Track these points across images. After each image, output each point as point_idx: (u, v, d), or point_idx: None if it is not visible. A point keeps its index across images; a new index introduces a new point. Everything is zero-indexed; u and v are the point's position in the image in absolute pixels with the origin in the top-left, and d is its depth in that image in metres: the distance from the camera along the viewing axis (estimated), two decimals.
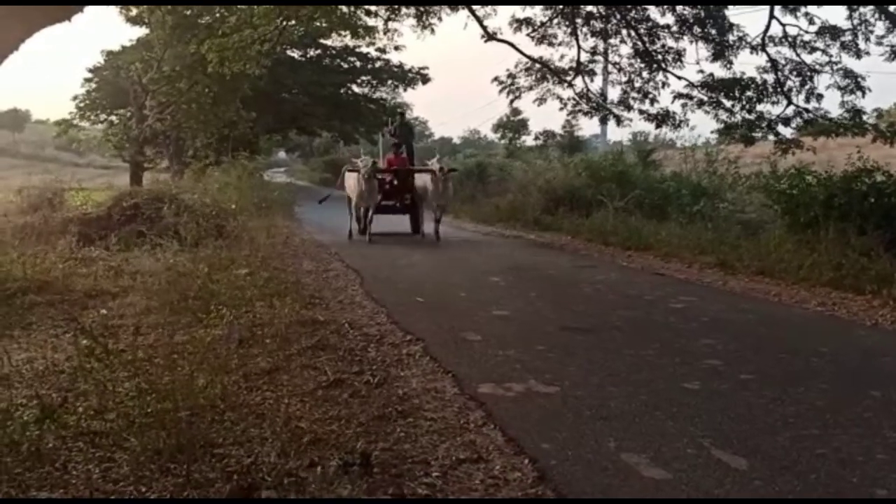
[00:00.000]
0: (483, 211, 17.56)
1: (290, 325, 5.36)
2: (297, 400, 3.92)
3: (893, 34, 11.13)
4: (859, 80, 11.71)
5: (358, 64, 33.26)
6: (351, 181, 12.76)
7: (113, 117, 26.60)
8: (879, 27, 11.30)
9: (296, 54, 31.84)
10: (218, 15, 18.58)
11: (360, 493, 2.88)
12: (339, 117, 33.97)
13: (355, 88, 34.24)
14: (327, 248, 11.01)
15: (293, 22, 14.39)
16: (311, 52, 32.72)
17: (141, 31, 23.75)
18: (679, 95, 12.99)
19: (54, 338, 5.20)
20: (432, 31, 13.87)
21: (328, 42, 30.89)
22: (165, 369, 4.04)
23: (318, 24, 21.65)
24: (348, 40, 26.82)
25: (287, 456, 3.12)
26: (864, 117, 12.08)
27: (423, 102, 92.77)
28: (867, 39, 11.48)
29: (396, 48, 24.03)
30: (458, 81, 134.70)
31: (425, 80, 32.81)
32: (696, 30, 12.53)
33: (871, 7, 11.14)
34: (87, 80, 28.67)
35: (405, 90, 34.03)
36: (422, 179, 12.92)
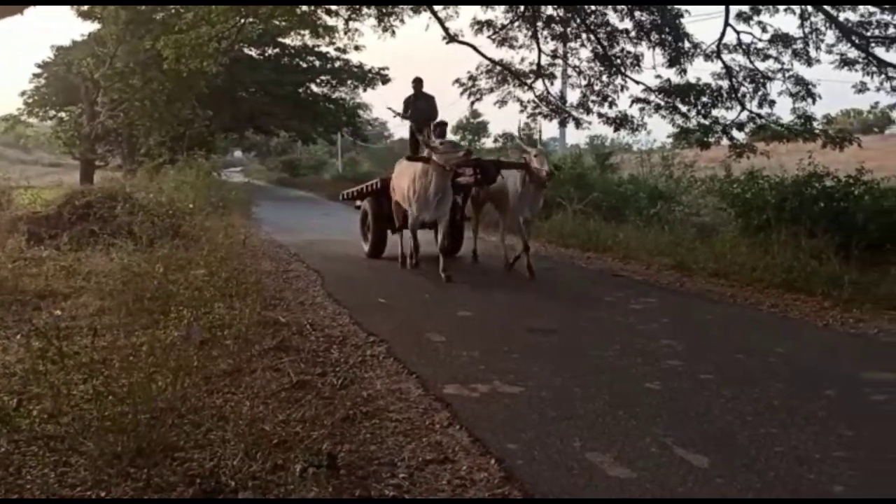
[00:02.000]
0: None
1: (251, 326, 5.27)
2: (260, 402, 3.86)
3: (843, 43, 11.47)
4: (810, 87, 12.04)
5: (317, 63, 32.96)
6: (408, 176, 8.56)
7: (63, 114, 25.99)
8: (830, 36, 11.65)
9: (254, 52, 31.44)
10: (173, 11, 18.24)
11: (326, 495, 2.84)
12: (297, 117, 33.61)
13: (314, 88, 33.91)
14: (286, 249, 10.89)
15: (252, 19, 14.21)
16: (270, 51, 32.32)
17: (93, 27, 23.20)
18: (637, 100, 13.17)
19: (5, 339, 5.03)
20: (393, 32, 13.84)
21: (287, 41, 30.55)
22: (123, 371, 3.95)
23: (277, 22, 21.42)
24: (308, 39, 26.55)
25: (251, 458, 3.06)
26: (814, 123, 12.42)
27: (383, 103, 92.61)
28: (818, 48, 11.82)
29: (356, 48, 23.74)
30: None
31: (385, 80, 32.58)
32: (654, 36, 12.75)
33: (822, 17, 11.47)
34: (37, 76, 28.02)
35: (365, 90, 33.78)
36: (501, 181, 9.05)
